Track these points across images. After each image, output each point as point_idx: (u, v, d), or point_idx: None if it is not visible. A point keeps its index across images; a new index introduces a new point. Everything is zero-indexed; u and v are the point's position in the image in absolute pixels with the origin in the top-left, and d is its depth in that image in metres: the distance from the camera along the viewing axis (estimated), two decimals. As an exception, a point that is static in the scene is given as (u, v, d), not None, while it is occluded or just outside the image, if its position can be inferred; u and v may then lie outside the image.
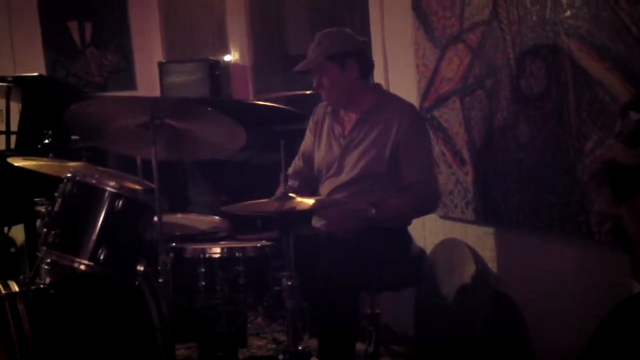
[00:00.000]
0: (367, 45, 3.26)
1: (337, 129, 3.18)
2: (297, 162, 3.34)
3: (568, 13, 2.67)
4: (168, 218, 2.97)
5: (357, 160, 3.09)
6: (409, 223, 3.21)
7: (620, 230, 1.13)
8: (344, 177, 3.12)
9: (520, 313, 3.14)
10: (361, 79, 3.12)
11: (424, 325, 3.60)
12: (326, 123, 3.23)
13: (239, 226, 3.09)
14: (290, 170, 3.27)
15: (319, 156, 3.23)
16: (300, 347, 2.59)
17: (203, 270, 2.69)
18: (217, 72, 5.53)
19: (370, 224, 2.94)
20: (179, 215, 3.27)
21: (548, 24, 2.77)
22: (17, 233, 4.88)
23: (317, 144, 3.26)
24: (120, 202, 2.71)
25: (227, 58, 5.81)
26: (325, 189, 3.17)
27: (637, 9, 2.38)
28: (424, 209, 3.19)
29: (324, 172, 3.20)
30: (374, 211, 2.93)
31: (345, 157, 3.13)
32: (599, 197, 1.13)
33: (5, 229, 4.89)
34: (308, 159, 3.30)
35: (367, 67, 3.15)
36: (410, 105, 3.18)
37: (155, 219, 2.64)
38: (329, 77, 3.07)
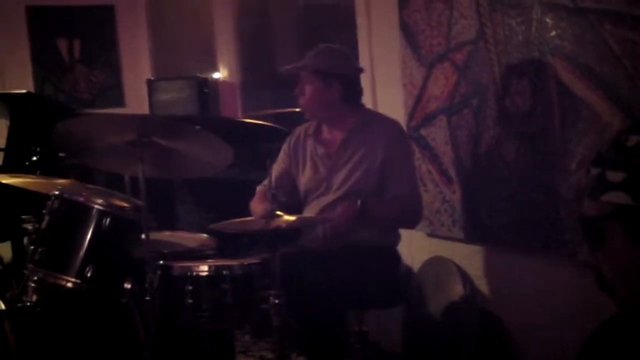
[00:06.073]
0: (359, 72, 3.26)
1: (321, 150, 3.18)
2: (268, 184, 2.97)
3: (553, 33, 2.70)
4: (155, 236, 2.96)
5: (345, 178, 3.09)
6: (397, 242, 3.21)
7: (602, 278, 1.17)
8: (332, 195, 3.11)
9: (507, 331, 3.15)
10: (344, 101, 3.12)
11: (411, 343, 3.60)
12: (308, 145, 3.22)
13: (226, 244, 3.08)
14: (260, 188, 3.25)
15: (304, 178, 3.21)
16: (287, 365, 2.59)
17: (190, 288, 2.68)
18: (206, 90, 5.52)
19: (357, 216, 2.92)
20: (167, 233, 3.27)
21: (533, 43, 2.80)
22: (4, 250, 4.86)
23: (300, 167, 3.23)
24: (108, 220, 2.71)
25: (216, 75, 5.81)
26: (312, 209, 3.15)
27: (620, 31, 2.41)
28: (408, 221, 3.18)
29: (310, 192, 3.19)
30: (359, 203, 2.91)
31: (332, 176, 3.13)
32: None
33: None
34: (282, 182, 3.13)
35: (352, 93, 3.15)
36: (395, 122, 3.19)
37: (143, 236, 2.64)
38: (311, 89, 3.10)
